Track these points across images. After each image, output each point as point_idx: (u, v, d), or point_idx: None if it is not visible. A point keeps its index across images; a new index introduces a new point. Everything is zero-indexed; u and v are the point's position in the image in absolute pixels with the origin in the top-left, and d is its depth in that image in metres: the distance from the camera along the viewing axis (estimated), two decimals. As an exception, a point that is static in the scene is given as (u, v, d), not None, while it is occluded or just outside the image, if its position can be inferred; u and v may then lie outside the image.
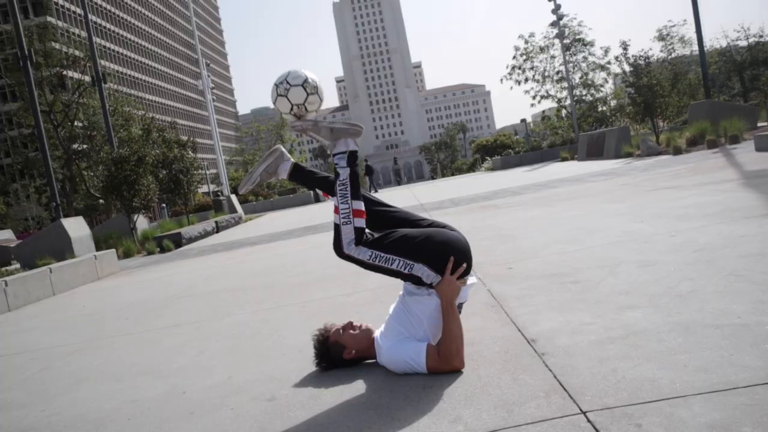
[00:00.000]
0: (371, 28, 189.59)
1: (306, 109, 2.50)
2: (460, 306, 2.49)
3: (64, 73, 33.40)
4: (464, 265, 2.40)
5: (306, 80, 2.48)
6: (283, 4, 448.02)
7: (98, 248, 13.48)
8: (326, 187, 2.65)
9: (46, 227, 16.54)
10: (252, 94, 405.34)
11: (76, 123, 32.06)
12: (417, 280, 2.40)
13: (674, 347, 2.19)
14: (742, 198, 5.52)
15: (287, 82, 2.48)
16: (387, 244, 2.40)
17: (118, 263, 10.71)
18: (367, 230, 2.48)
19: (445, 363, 2.27)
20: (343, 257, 2.43)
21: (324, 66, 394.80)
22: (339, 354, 2.53)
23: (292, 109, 2.50)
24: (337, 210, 2.43)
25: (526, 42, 33.33)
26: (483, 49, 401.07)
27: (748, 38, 30.99)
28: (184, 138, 19.36)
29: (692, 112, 16.70)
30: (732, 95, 33.38)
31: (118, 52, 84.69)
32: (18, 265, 12.00)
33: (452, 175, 56.27)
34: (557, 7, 27.60)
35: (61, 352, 4.22)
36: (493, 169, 28.91)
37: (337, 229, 2.43)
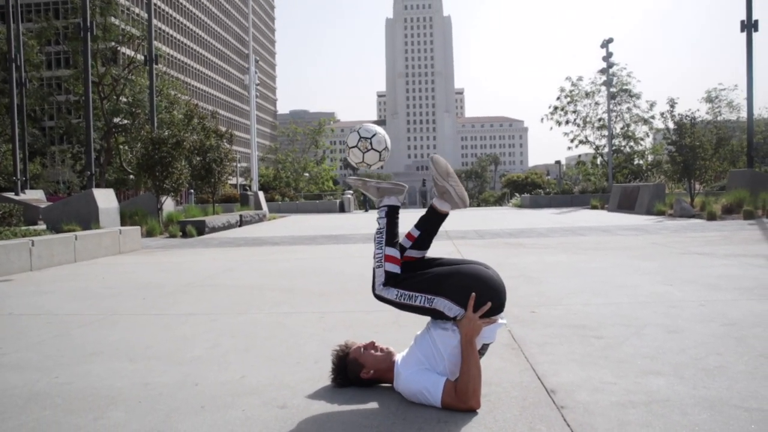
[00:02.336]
0: (420, 49, 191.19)
1: (367, 164, 2.62)
2: (486, 346, 2.46)
3: (119, 48, 34.33)
4: (489, 304, 2.37)
5: (360, 140, 2.59)
6: (339, 12, 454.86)
7: (123, 222, 13.73)
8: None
9: (77, 194, 16.87)
10: (293, 95, 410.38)
11: (121, 98, 32.84)
12: (440, 315, 2.40)
13: (699, 422, 2.13)
14: (777, 277, 5.38)
15: (347, 145, 2.63)
16: (412, 283, 2.46)
17: (140, 241, 10.86)
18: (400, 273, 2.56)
19: (460, 401, 2.25)
20: (378, 298, 2.54)
21: (368, 79, 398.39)
22: (356, 372, 2.52)
23: (358, 151, 2.61)
24: (374, 255, 2.58)
25: (573, 84, 33.17)
26: (527, 86, 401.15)
27: (798, 114, 30.44)
28: (223, 129, 19.63)
29: (732, 179, 16.42)
30: (773, 168, 32.74)
31: (171, 35, 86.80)
32: (44, 226, 12.25)
33: (478, 205, 55.97)
34: (609, 54, 27.47)
35: (78, 322, 4.28)
36: (521, 206, 28.71)
37: (373, 272, 2.55)
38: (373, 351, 2.54)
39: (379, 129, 2.64)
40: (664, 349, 3.11)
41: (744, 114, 31.16)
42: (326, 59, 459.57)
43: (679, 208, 14.82)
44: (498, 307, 2.42)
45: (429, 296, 2.40)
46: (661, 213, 15.60)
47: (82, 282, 6.48)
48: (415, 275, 2.51)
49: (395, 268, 2.52)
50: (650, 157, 33.52)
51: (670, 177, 18.80)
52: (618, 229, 11.62)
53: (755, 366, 2.79)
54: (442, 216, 2.65)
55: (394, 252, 2.55)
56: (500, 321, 2.47)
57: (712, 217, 13.29)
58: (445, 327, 2.41)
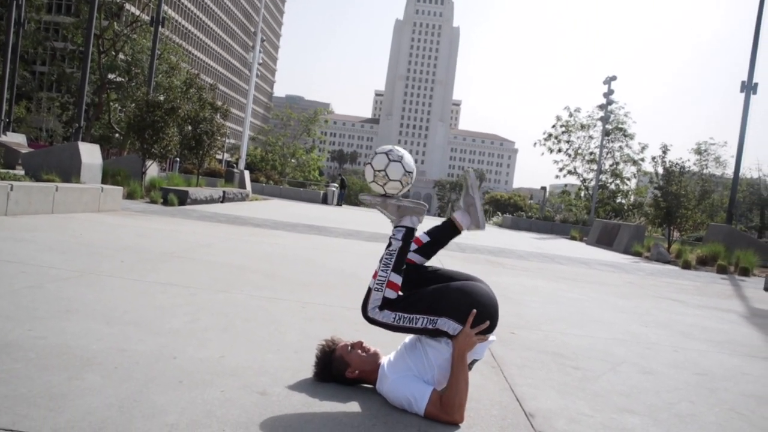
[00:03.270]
0: (425, 55, 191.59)
1: (387, 175, 2.47)
2: (474, 362, 2.46)
3: (125, 4, 33.71)
4: (487, 322, 2.37)
5: (391, 150, 2.52)
6: (350, 6, 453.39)
7: (104, 181, 13.47)
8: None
9: (61, 145, 16.50)
10: (291, 79, 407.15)
11: (120, 55, 32.25)
12: (444, 335, 2.36)
13: (671, 468, 2.15)
14: (747, 334, 5.50)
15: (374, 152, 2.55)
16: (410, 304, 2.39)
17: (121, 202, 10.68)
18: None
19: (444, 413, 2.24)
20: (368, 320, 2.44)
21: (368, 76, 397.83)
22: (341, 370, 2.49)
23: (375, 176, 2.50)
24: (375, 275, 2.47)
25: (570, 115, 33.57)
26: (523, 109, 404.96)
27: (780, 178, 31.24)
28: (219, 103, 19.38)
29: (710, 233, 16.74)
30: (749, 227, 33.55)
31: (178, 0, 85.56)
32: (23, 172, 11.96)
33: (459, 217, 55.82)
34: (610, 92, 27.87)
35: (54, 275, 4.18)
36: (502, 225, 28.95)
37: (368, 292, 2.45)
38: (360, 351, 2.51)
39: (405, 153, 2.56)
40: (639, 389, 3.15)
41: (729, 171, 31.96)
42: (329, 50, 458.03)
43: (656, 252, 15.06)
44: (492, 326, 2.43)
45: (431, 317, 2.34)
46: (638, 254, 15.84)
47: (59, 235, 6.33)
48: (412, 296, 2.44)
49: (392, 294, 2.43)
50: (632, 198, 34.08)
51: (651, 221, 19.09)
52: (596, 263, 11.77)
53: (725, 419, 2.84)
54: (457, 231, 2.61)
55: (398, 279, 2.45)
56: (490, 339, 2.48)
57: (686, 265, 13.53)
58: (438, 340, 2.39)
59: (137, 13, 33.88)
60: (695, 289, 9.20)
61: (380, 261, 2.49)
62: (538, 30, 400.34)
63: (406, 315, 2.37)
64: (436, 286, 2.46)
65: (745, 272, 12.99)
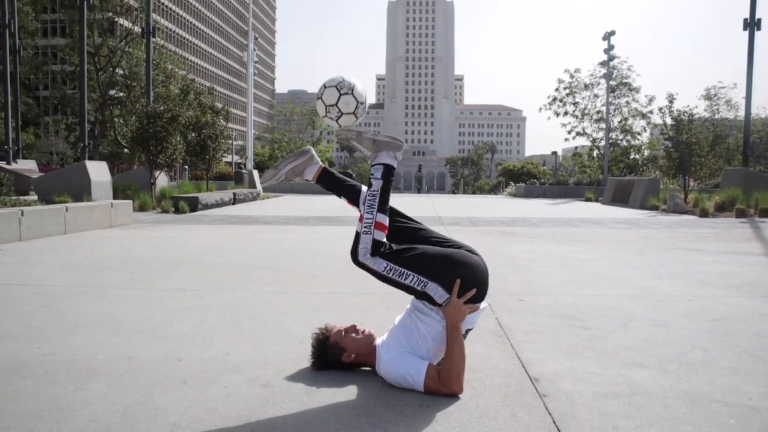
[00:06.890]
0: (421, 33, 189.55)
1: (339, 110, 2.44)
2: (467, 332, 2.44)
3: (116, 19, 33.83)
4: (474, 290, 2.36)
5: (341, 82, 2.45)
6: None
7: (115, 196, 13.64)
8: (352, 195, 2.63)
9: (70, 166, 16.74)
10: (292, 75, 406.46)
11: (117, 70, 32.47)
12: (429, 299, 2.35)
13: (679, 416, 2.14)
14: (765, 275, 5.41)
15: (323, 86, 2.48)
16: (404, 259, 2.36)
17: (132, 215, 10.80)
18: (387, 242, 2.44)
19: (443, 386, 2.24)
20: (358, 265, 2.40)
21: (368, 61, 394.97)
22: (337, 356, 2.49)
23: (327, 111, 2.46)
24: (361, 219, 2.41)
25: (572, 76, 33.02)
26: (527, 75, 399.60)
27: (795, 114, 30.49)
28: (219, 105, 19.42)
29: (726, 178, 16.45)
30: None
31: (169, 8, 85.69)
32: (35, 197, 12.14)
33: (473, 193, 55.83)
34: (610, 47, 27.34)
35: (64, 293, 4.25)
36: (515, 195, 28.73)
37: (357, 237, 2.40)
38: (354, 334, 2.50)
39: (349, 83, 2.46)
40: (649, 342, 3.11)
41: (741, 113, 31.27)
42: (327, 40, 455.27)
43: (672, 204, 14.85)
44: (481, 295, 2.41)
45: (423, 279, 2.32)
46: (654, 208, 15.64)
47: (70, 254, 6.43)
48: (406, 251, 2.40)
49: (382, 237, 2.39)
50: (646, 152, 33.54)
51: (665, 172, 18.81)
52: (611, 221, 11.64)
53: (738, 362, 2.80)
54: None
55: (385, 220, 2.40)
56: (483, 305, 2.46)
57: (704, 214, 13.33)
58: (429, 314, 2.38)
59: (129, 25, 33.95)
60: (713, 235, 9.06)
61: (363, 203, 2.44)
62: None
63: (397, 268, 2.34)
64: (432, 248, 2.43)
65: (765, 214, 12.76)
